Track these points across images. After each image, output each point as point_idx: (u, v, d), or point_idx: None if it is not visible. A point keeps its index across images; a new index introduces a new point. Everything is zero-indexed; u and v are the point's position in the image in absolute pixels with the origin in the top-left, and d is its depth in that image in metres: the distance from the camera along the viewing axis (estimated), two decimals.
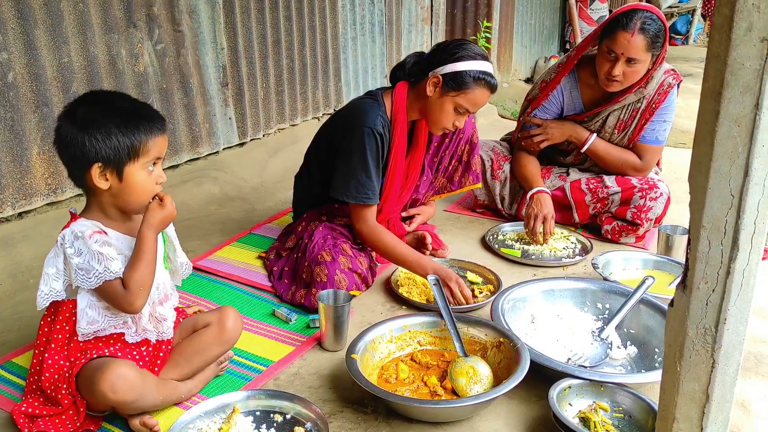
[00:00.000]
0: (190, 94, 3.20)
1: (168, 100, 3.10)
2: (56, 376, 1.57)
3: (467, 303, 2.17)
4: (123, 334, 1.62)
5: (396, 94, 2.33)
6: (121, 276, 1.53)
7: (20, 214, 2.59)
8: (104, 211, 1.60)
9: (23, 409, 1.59)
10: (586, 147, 2.81)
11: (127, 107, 1.56)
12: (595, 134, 2.80)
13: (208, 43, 3.25)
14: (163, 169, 1.64)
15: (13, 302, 2.27)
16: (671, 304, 1.18)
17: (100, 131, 1.48)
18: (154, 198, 1.59)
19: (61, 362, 1.59)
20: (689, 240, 1.10)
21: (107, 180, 1.52)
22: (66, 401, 1.55)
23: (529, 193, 2.78)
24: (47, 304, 1.56)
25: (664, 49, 2.58)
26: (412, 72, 2.34)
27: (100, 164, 1.49)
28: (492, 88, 2.24)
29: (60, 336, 1.60)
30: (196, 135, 3.29)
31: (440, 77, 2.21)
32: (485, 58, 2.25)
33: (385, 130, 2.29)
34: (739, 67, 0.96)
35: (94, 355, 1.56)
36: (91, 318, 1.57)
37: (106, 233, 1.56)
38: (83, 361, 1.55)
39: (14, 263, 2.43)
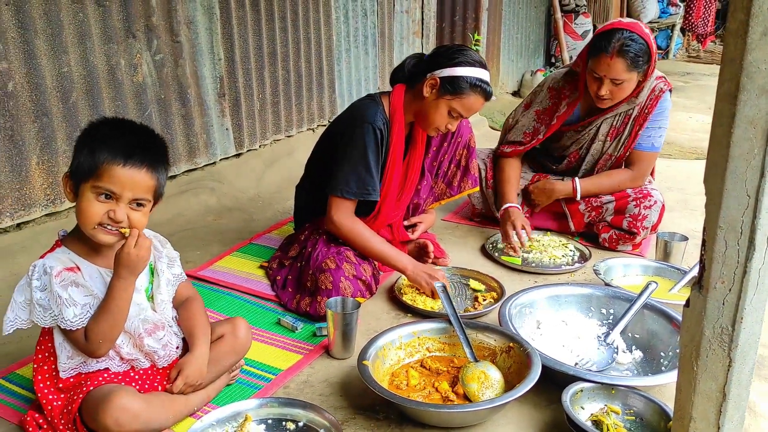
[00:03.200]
0: (188, 104, 3.20)
1: (166, 111, 3.10)
2: (55, 412, 1.53)
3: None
4: (108, 369, 1.58)
5: (394, 96, 2.35)
6: (76, 327, 1.47)
7: (19, 225, 2.57)
8: (84, 237, 1.51)
9: (36, 417, 1.58)
10: (579, 195, 2.82)
11: (119, 133, 1.51)
12: (577, 179, 2.83)
13: (206, 53, 3.26)
14: None
15: None
16: (687, 304, 1.19)
17: (82, 143, 1.48)
18: (125, 243, 1.48)
19: (53, 397, 1.54)
20: (704, 241, 1.11)
21: (72, 193, 1.49)
22: None
23: (499, 213, 2.82)
24: (11, 331, 1.50)
25: (651, 64, 2.62)
26: (411, 73, 2.36)
27: (67, 173, 1.50)
28: (487, 95, 2.26)
29: (47, 367, 1.57)
30: (194, 145, 3.28)
31: (438, 80, 2.22)
32: (483, 66, 2.27)
33: (385, 128, 2.30)
34: (755, 70, 0.98)
35: (91, 388, 1.51)
36: (71, 352, 1.54)
37: (78, 269, 1.51)
38: (81, 395, 1.51)
39: (13, 274, 2.40)
